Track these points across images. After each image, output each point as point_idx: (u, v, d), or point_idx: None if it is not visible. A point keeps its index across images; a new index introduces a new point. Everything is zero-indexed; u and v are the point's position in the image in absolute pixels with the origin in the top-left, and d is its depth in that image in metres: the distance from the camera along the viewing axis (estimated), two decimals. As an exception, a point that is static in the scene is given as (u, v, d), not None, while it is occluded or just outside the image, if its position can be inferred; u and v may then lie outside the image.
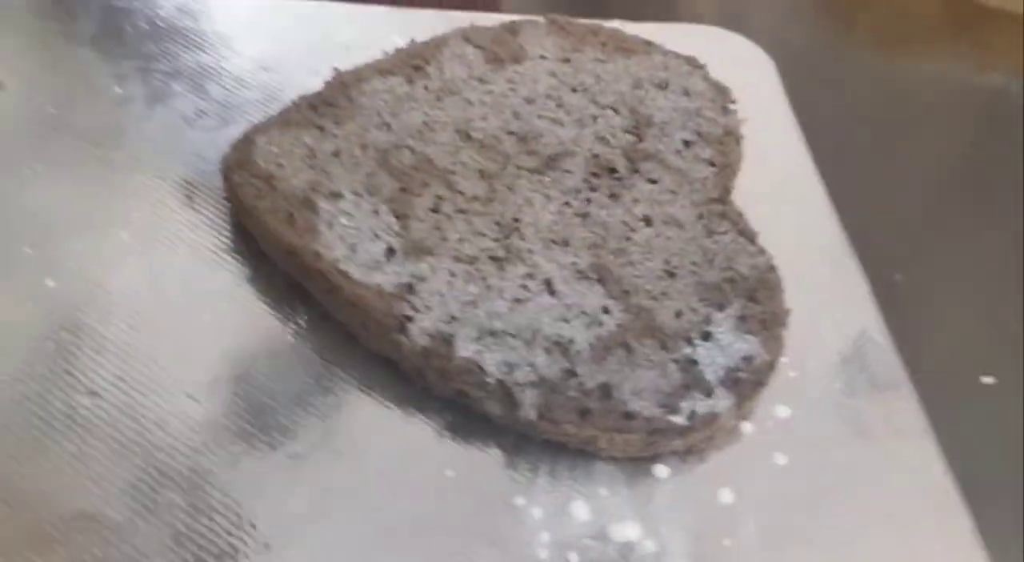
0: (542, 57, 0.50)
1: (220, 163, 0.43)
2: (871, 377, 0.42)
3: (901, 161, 0.62)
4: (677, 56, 0.52)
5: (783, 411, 0.40)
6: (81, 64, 0.48)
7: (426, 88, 0.47)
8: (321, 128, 0.43)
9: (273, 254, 0.41)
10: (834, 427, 0.40)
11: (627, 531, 0.35)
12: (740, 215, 0.44)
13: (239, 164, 0.42)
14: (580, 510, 0.36)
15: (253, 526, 0.33)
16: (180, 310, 0.39)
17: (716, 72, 0.51)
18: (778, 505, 0.37)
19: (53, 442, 0.35)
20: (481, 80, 0.48)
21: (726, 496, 0.37)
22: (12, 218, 0.41)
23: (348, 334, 0.40)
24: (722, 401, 0.37)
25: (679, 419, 0.36)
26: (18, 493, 0.33)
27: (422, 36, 0.51)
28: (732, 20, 0.65)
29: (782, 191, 0.49)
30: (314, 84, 0.48)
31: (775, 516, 0.36)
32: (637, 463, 0.37)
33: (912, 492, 0.38)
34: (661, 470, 0.37)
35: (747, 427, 0.39)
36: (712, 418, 0.37)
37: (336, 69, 0.48)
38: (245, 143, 0.43)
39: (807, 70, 0.61)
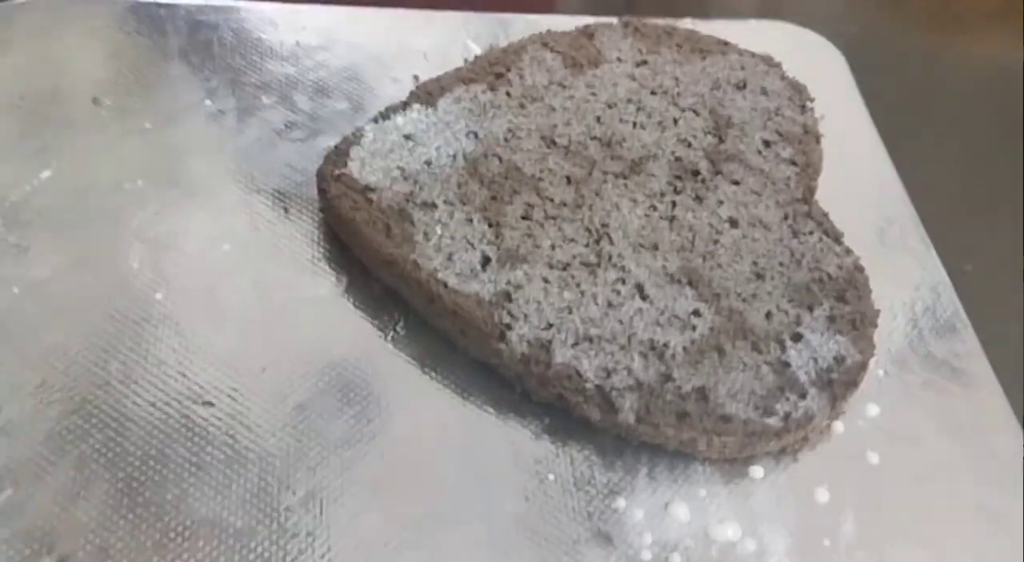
0: (619, 60, 0.50)
1: (315, 175, 0.44)
2: (957, 373, 0.42)
3: (953, 148, 0.62)
4: (753, 55, 0.52)
5: (873, 409, 0.40)
6: (172, 79, 0.50)
7: (508, 95, 0.48)
8: (411, 139, 0.44)
9: (371, 264, 0.42)
10: (924, 424, 0.40)
11: (727, 531, 0.36)
12: (825, 215, 0.44)
13: (335, 176, 0.43)
14: (680, 511, 0.37)
15: (367, 529, 0.34)
16: (284, 319, 0.41)
17: (788, 69, 0.51)
18: (874, 503, 0.37)
19: (172, 451, 0.36)
20: (562, 85, 0.48)
21: (822, 495, 0.38)
22: (118, 235, 0.43)
23: (446, 341, 0.41)
24: (816, 402, 0.38)
25: (775, 421, 0.37)
26: (142, 501, 0.35)
27: (495, 41, 0.51)
28: (772, 10, 0.65)
29: (862, 188, 0.49)
30: (396, 92, 0.49)
31: (872, 514, 0.37)
32: (733, 464, 0.38)
33: (1003, 484, 0.39)
34: (757, 471, 0.38)
35: (839, 426, 0.40)
36: (807, 420, 0.38)
37: (417, 77, 0.49)
38: (338, 155, 0.44)
39: (861, 58, 0.60)
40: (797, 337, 0.39)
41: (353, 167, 0.43)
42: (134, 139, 0.47)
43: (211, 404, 0.38)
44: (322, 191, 0.43)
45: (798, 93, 0.50)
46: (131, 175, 0.45)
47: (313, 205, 0.45)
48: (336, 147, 0.44)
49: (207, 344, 0.39)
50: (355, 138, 0.44)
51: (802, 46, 0.58)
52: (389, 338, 0.41)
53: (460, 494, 0.36)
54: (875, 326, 0.40)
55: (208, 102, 0.49)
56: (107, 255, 0.42)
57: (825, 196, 0.46)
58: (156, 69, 0.50)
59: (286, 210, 0.45)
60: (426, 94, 0.47)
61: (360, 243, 0.42)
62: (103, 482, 0.35)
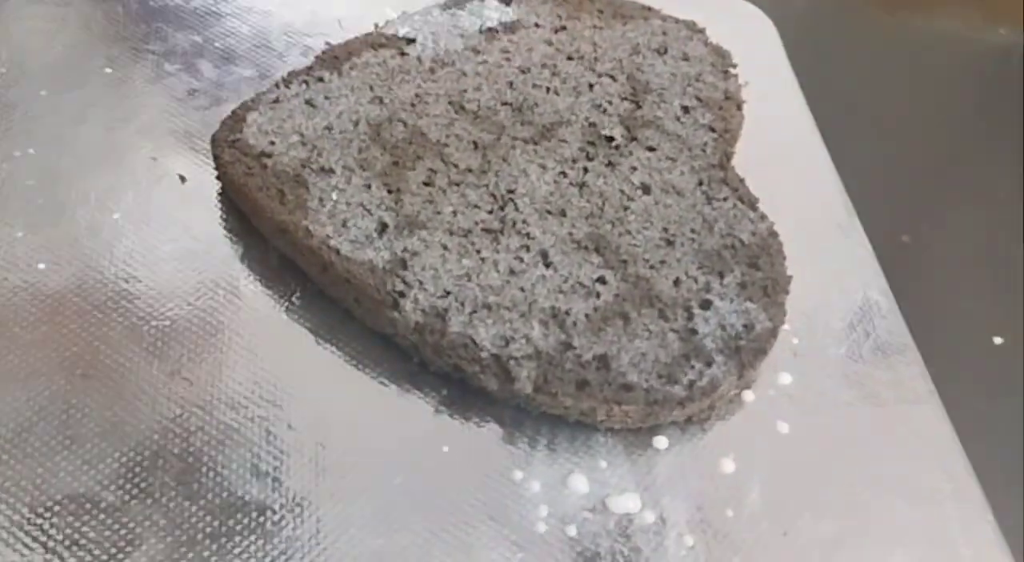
0: (537, 25, 0.49)
1: (210, 142, 0.42)
2: (876, 342, 0.41)
3: (906, 122, 0.60)
4: (676, 21, 0.51)
5: (785, 378, 0.39)
6: (72, 46, 0.48)
7: (419, 60, 0.46)
8: (312, 104, 0.43)
9: (266, 232, 0.40)
10: (838, 393, 0.39)
11: (627, 503, 0.35)
12: (741, 181, 0.43)
13: (229, 142, 0.41)
14: (579, 483, 0.35)
15: (247, 503, 0.33)
16: (172, 292, 0.39)
17: (716, 36, 0.50)
18: (782, 473, 0.36)
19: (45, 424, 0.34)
20: (475, 50, 0.47)
21: (728, 465, 0.36)
22: (4, 204, 0.41)
23: (343, 311, 0.39)
24: (722, 370, 0.37)
25: (678, 389, 0.36)
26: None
27: (415, 8, 0.50)
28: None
29: (784, 156, 0.48)
30: (306, 61, 0.47)
31: (779, 484, 0.36)
32: (637, 434, 0.37)
33: (920, 456, 0.37)
34: (661, 441, 0.37)
35: (749, 395, 0.39)
36: (712, 388, 0.36)
37: (328, 43, 0.48)
38: (234, 120, 0.42)
39: (807, 32, 0.59)
40: (706, 304, 0.38)
41: (248, 133, 0.41)
42: (28, 104, 0.45)
43: (89, 377, 0.36)
44: (216, 157, 0.42)
45: (721, 58, 0.49)
46: (23, 143, 0.43)
47: (212, 174, 0.43)
48: (233, 112, 0.43)
49: (94, 319, 0.38)
50: (253, 104, 0.43)
51: (733, 15, 0.56)
52: (283, 308, 0.39)
53: (348, 468, 0.35)
54: (787, 292, 0.39)
55: (108, 70, 0.47)
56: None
57: (745, 163, 0.44)
58: (55, 37, 0.48)
59: (183, 178, 0.43)
60: (332, 59, 0.46)
61: (254, 210, 0.40)
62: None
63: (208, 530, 0.32)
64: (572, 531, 0.34)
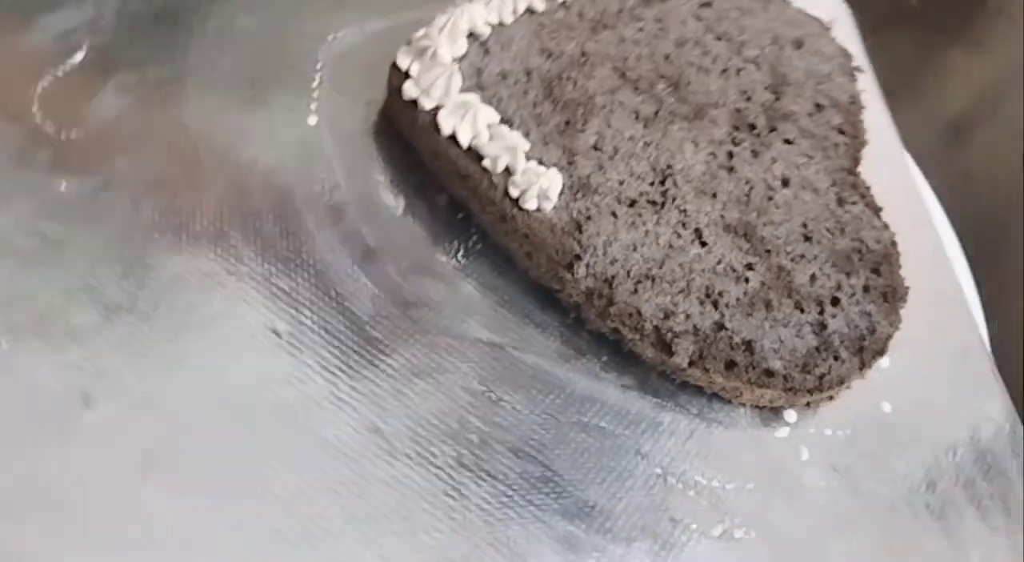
0: (684, -7, 0.50)
1: (389, 73, 0.43)
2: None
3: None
4: (807, 14, 0.53)
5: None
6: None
7: (580, 16, 0.47)
8: (487, 50, 0.44)
9: (440, 175, 0.42)
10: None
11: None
12: (868, 188, 0.46)
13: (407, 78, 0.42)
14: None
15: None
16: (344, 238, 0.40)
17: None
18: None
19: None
20: (632, 15, 0.48)
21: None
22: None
23: (505, 258, 0.41)
24: (848, 366, 0.40)
25: (811, 380, 0.39)
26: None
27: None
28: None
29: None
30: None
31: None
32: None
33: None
34: (790, 414, 0.41)
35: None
36: (839, 381, 0.40)
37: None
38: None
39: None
40: (835, 301, 0.42)
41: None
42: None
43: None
44: (395, 91, 0.42)
45: (847, 59, 0.51)
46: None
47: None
48: (410, 41, 0.43)
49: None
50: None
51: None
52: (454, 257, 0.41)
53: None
54: (904, 301, 0.43)
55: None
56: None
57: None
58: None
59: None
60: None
61: (434, 153, 0.41)
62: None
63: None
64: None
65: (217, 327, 0.36)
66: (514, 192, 0.40)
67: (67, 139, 0.38)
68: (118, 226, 0.37)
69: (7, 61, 0.40)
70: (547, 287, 0.41)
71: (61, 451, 0.32)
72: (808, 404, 0.42)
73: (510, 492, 0.35)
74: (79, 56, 0.41)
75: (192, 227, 0.38)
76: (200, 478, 0.32)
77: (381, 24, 0.47)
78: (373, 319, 0.38)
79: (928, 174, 0.56)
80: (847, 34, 0.59)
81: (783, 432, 0.41)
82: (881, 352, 0.41)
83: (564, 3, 0.47)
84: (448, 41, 0.42)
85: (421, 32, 0.43)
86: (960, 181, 0.59)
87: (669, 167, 0.43)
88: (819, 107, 0.48)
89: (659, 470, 0.38)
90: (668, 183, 0.42)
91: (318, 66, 0.44)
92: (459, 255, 0.41)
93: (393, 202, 0.42)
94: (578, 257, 0.39)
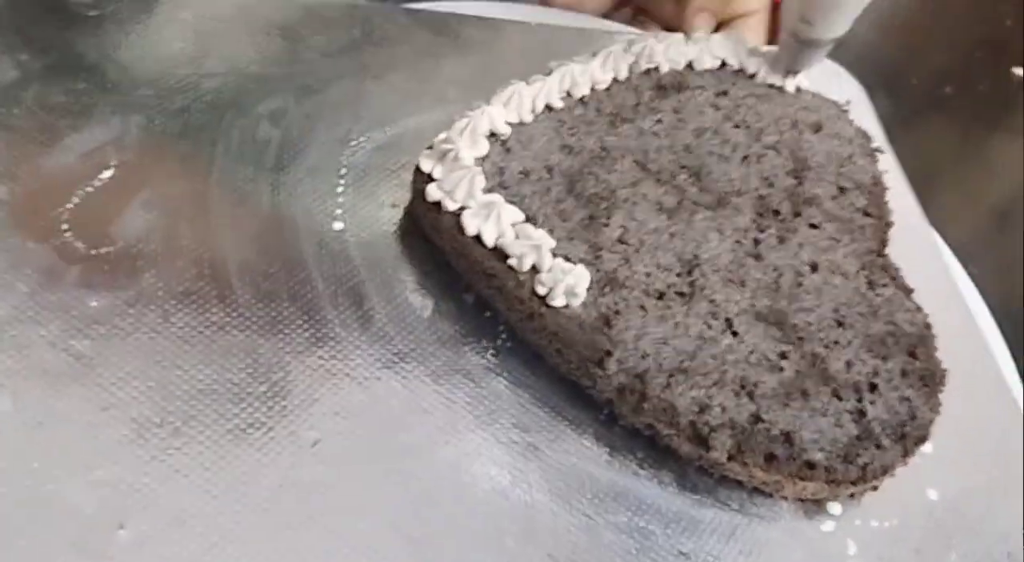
0: (701, 88, 0.51)
1: (413, 173, 0.43)
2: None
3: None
4: (823, 98, 0.53)
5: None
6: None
7: (598, 111, 0.48)
8: (508, 149, 0.44)
9: (467, 275, 0.42)
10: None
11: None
12: (897, 270, 0.45)
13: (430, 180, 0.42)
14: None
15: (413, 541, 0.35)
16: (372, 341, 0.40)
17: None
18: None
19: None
20: (650, 108, 0.48)
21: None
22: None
23: (534, 354, 0.41)
24: (891, 454, 0.39)
25: (854, 470, 0.38)
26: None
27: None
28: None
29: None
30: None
31: None
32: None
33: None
34: (835, 507, 0.40)
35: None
36: (883, 470, 0.39)
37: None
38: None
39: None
40: (873, 387, 0.41)
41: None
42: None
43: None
44: (419, 194, 0.42)
45: (866, 140, 0.51)
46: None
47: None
48: (431, 147, 0.44)
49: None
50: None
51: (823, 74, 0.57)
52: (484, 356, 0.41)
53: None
54: (943, 384, 0.42)
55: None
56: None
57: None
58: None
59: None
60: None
61: (460, 253, 0.41)
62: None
63: None
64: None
65: (249, 437, 0.35)
66: (541, 290, 0.40)
67: (97, 256, 0.39)
68: (148, 340, 0.37)
69: (37, 181, 0.40)
70: (579, 383, 0.40)
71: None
72: (852, 495, 0.40)
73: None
74: (107, 173, 0.41)
75: (221, 339, 0.38)
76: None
77: (402, 127, 0.47)
78: (403, 424, 0.38)
79: (969, 261, 0.56)
80: (865, 115, 0.59)
81: (828, 526, 0.39)
82: (923, 438, 0.40)
83: (582, 100, 0.48)
84: (469, 142, 0.43)
85: (443, 135, 0.43)
86: (1002, 268, 0.58)
87: (695, 257, 0.43)
88: (842, 190, 0.48)
89: (702, 570, 0.37)
90: (695, 273, 0.42)
91: (342, 172, 0.45)
92: (489, 354, 0.41)
93: (420, 303, 0.42)
94: (608, 353, 0.39)
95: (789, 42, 0.49)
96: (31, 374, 0.35)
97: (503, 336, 0.42)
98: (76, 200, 0.40)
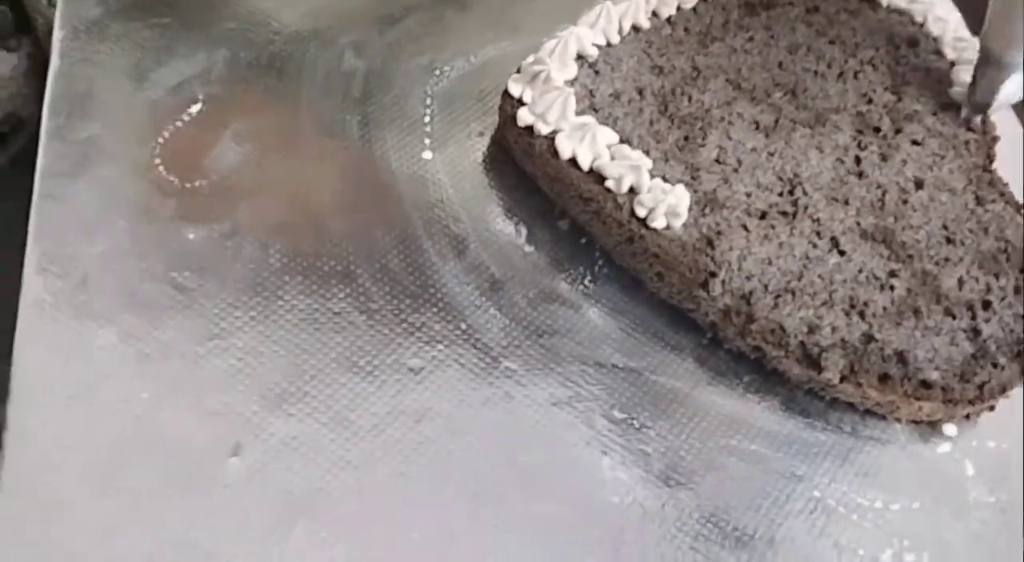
0: (790, 4, 0.49)
1: (500, 99, 0.42)
2: None
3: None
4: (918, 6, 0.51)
5: None
6: None
7: (687, 31, 0.46)
8: (597, 71, 0.43)
9: (560, 200, 0.41)
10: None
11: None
12: (1006, 185, 0.44)
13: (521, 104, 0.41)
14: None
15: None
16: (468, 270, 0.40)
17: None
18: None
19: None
20: (739, 26, 0.47)
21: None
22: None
23: (634, 281, 0.40)
24: (1008, 373, 0.38)
25: (971, 389, 0.37)
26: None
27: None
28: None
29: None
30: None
31: None
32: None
33: None
34: (950, 428, 0.39)
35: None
36: (1001, 389, 0.38)
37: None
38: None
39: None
40: (986, 305, 0.39)
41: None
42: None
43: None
44: (509, 119, 0.41)
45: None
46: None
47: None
48: (521, 68, 0.42)
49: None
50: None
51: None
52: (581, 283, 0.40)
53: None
54: (1059, 300, 0.40)
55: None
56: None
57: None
58: None
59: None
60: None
61: (554, 177, 0.40)
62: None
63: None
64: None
65: (351, 366, 0.35)
66: (641, 212, 0.38)
67: (191, 189, 0.38)
68: (247, 271, 0.36)
69: (126, 117, 0.40)
70: (679, 307, 0.39)
71: (209, 502, 0.31)
72: (967, 416, 0.39)
73: (666, 525, 0.34)
74: (195, 108, 0.41)
75: (320, 268, 0.37)
76: (345, 525, 0.32)
77: (485, 56, 0.46)
78: (506, 350, 0.37)
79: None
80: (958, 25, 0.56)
81: (945, 447, 0.38)
82: (1042, 357, 0.39)
83: (669, 19, 0.46)
84: (559, 64, 0.41)
85: (531, 58, 0.42)
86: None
87: (796, 176, 0.41)
88: (944, 105, 0.46)
89: (817, 493, 0.36)
90: (797, 192, 0.41)
91: (428, 101, 0.44)
92: (586, 280, 0.40)
93: (514, 231, 0.41)
94: (712, 274, 0.38)
95: (987, 71, 0.43)
96: (134, 307, 0.35)
97: (599, 262, 0.41)
98: (166, 135, 0.40)
